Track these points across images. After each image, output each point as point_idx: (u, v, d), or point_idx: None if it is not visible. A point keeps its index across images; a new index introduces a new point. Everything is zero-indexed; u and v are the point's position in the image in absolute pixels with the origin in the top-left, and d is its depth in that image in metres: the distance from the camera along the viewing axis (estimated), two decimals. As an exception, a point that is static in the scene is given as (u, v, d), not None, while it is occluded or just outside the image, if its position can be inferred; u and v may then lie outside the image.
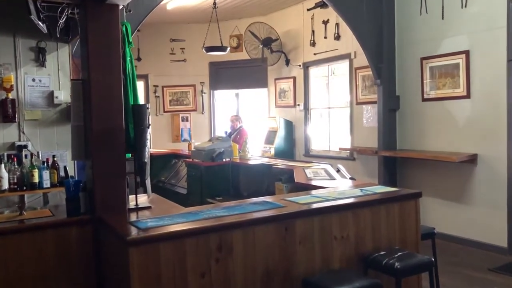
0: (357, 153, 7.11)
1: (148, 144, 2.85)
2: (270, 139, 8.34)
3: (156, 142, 9.70)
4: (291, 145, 8.50)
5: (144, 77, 9.73)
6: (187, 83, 9.73)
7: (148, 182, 2.94)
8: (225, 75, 9.72)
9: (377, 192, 3.24)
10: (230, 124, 7.70)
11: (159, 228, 2.39)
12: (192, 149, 6.41)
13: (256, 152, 8.04)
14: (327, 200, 2.99)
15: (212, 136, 8.36)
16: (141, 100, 3.10)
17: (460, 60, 5.48)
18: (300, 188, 3.90)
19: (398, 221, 3.16)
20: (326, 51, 7.62)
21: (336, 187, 3.55)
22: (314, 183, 3.84)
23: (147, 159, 2.82)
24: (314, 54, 7.89)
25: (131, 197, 2.99)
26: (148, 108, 2.88)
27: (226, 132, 6.84)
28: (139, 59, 9.60)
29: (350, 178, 4.15)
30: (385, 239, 3.09)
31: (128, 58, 2.92)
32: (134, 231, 2.36)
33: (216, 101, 9.96)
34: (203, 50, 6.92)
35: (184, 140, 9.36)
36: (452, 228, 5.56)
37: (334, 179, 3.96)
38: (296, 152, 8.48)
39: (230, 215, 2.63)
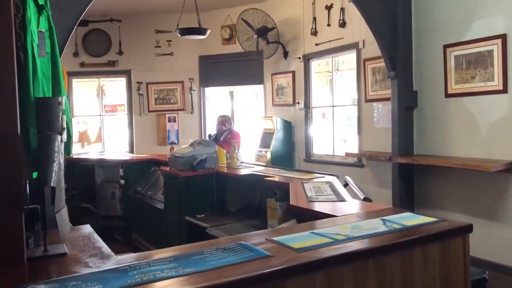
0: (367, 159, 6.12)
1: (58, 158, 1.84)
2: (266, 142, 7.34)
3: (139, 145, 8.74)
4: (290, 149, 7.50)
5: (127, 73, 8.76)
6: (175, 79, 8.75)
7: (63, 215, 1.93)
8: (217, 70, 8.71)
9: (407, 225, 2.22)
10: (216, 125, 6.58)
11: (48, 308, 1.39)
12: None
13: (250, 158, 7.06)
14: (336, 241, 1.98)
15: (201, 138, 7.34)
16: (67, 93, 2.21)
17: (495, 47, 4.51)
18: (298, 213, 2.90)
19: (439, 268, 2.14)
20: (329, 41, 6.63)
21: (347, 215, 2.54)
22: (316, 206, 2.81)
23: (55, 182, 1.81)
24: (316, 44, 6.90)
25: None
26: (60, 103, 1.87)
27: (209, 135, 5.80)
28: (120, 53, 8.65)
29: (364, 199, 3.13)
30: (422, 297, 2.08)
31: (30, 28, 1.91)
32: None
33: (207, 100, 8.97)
34: (177, 33, 5.92)
35: (172, 143, 8.41)
36: (487, 252, 4.54)
37: (343, 200, 2.94)
38: (295, 157, 7.48)
39: (179, 276, 1.62)
